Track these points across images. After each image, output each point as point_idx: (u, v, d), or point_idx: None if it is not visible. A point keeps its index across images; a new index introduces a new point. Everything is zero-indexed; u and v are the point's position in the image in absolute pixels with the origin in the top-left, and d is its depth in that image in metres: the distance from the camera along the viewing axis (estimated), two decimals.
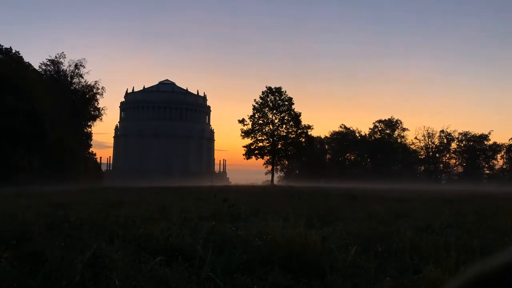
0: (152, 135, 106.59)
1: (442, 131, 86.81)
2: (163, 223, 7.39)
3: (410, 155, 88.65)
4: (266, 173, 73.61)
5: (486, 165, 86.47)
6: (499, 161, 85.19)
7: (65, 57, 63.23)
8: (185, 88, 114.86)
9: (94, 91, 63.17)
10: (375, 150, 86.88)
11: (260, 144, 54.01)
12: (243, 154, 54.33)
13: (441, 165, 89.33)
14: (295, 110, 53.80)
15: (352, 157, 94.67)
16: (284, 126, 53.82)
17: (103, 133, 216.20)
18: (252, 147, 53.63)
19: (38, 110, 41.30)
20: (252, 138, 53.47)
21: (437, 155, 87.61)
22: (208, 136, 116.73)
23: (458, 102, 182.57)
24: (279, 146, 54.18)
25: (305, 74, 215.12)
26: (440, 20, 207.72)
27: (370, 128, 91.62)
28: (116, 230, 6.58)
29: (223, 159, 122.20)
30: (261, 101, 53.59)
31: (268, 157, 55.15)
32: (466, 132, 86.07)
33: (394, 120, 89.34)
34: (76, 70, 62.30)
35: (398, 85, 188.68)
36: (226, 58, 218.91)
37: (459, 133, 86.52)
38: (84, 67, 63.07)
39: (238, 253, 5.12)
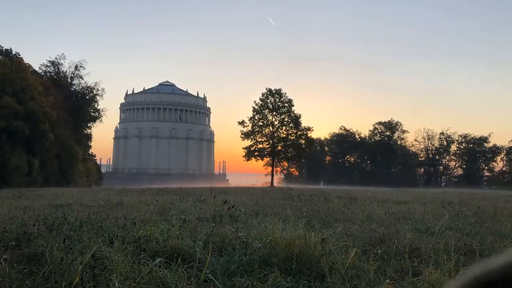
0: (152, 137, 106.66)
1: (442, 133, 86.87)
2: (162, 224, 7.38)
3: (410, 157, 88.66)
4: (265, 175, 73.54)
5: (486, 167, 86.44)
6: (499, 163, 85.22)
7: (65, 58, 63.54)
8: (185, 90, 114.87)
9: (94, 93, 63.26)
10: (375, 152, 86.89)
11: (260, 145, 53.99)
12: (243, 156, 54.35)
13: (441, 167, 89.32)
14: (295, 112, 53.85)
15: (352, 159, 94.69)
16: (284, 127, 53.79)
17: (103, 134, 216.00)
18: (252, 149, 53.61)
19: (38, 111, 41.29)
20: (252, 139, 53.46)
21: (437, 157, 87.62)
22: (208, 138, 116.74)
23: (458, 104, 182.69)
24: (279, 148, 54.17)
25: (305, 75, 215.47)
26: (440, 21, 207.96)
27: (370, 130, 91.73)
28: (116, 231, 6.57)
29: (223, 161, 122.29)
30: (261, 102, 53.57)
31: (268, 159, 55.14)
32: (466, 134, 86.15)
33: (394, 122, 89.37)
34: (76, 71, 62.43)
35: (399, 86, 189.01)
36: (227, 60, 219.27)
37: (459, 135, 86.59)
38: (84, 68, 63.23)
39: (238, 255, 5.12)
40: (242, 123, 53.71)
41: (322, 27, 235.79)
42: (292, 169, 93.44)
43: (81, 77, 62.80)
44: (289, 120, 53.60)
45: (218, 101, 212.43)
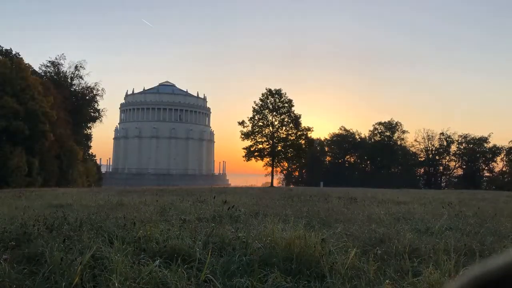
0: (152, 137, 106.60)
1: (442, 134, 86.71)
2: (162, 224, 7.38)
3: (410, 158, 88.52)
4: (265, 175, 73.59)
5: (486, 168, 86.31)
6: (499, 164, 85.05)
7: (65, 59, 63.51)
8: (185, 90, 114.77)
9: (94, 93, 63.32)
10: (375, 152, 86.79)
11: (260, 146, 53.94)
12: (243, 156, 54.31)
13: (441, 168, 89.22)
14: (295, 112, 53.81)
15: (352, 159, 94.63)
16: (284, 128, 53.74)
17: (103, 134, 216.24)
18: (251, 149, 53.56)
19: (38, 111, 41.26)
20: (252, 140, 53.39)
21: (437, 157, 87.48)
22: (208, 138, 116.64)
23: (458, 104, 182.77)
24: (279, 148, 54.12)
25: (305, 76, 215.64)
26: (441, 21, 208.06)
27: (370, 130, 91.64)
28: (116, 231, 6.57)
29: (223, 161, 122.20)
30: (261, 103, 53.49)
31: (268, 159, 55.09)
32: (466, 134, 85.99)
33: (394, 122, 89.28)
34: (76, 72, 62.46)
35: (398, 87, 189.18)
36: (227, 60, 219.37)
37: (459, 136, 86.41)
38: (84, 69, 63.26)
39: (238, 255, 5.12)
40: (242, 123, 53.65)
41: (322, 28, 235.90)
42: (292, 170, 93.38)
43: (81, 77, 62.88)
44: (289, 121, 53.55)
45: (218, 101, 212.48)
